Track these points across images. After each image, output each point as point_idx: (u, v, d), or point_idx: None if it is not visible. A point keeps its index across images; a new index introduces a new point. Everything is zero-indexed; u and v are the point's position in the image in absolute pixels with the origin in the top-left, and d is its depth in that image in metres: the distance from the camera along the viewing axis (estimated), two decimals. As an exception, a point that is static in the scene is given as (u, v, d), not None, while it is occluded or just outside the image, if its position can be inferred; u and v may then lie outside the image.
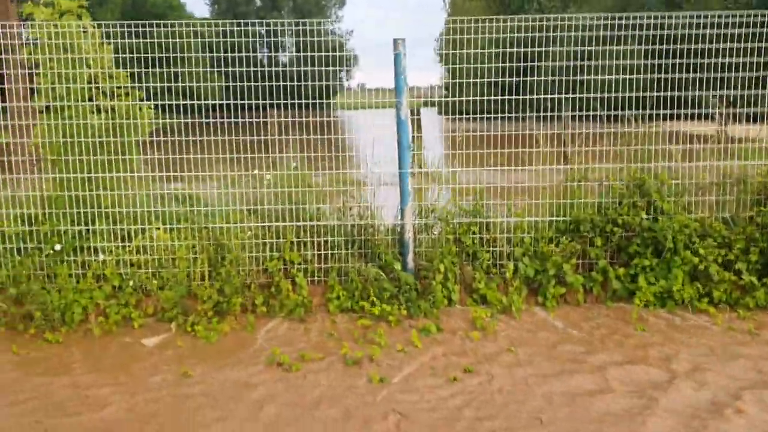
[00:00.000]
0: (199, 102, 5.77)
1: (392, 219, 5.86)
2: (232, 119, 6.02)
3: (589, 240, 5.67)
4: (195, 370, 4.43)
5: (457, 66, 5.85)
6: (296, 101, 5.67)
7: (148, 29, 5.63)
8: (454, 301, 5.48)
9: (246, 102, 5.70)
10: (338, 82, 7.67)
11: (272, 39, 5.98)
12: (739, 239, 5.50)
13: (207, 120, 5.90)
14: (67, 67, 5.46)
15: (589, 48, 5.72)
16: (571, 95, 5.73)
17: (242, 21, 6.15)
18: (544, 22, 5.68)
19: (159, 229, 5.65)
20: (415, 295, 5.39)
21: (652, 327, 5.06)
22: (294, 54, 6.07)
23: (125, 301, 5.41)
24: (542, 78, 5.98)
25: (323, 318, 5.35)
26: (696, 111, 5.78)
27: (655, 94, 5.71)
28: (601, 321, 5.20)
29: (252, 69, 5.70)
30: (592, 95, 5.73)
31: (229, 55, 5.87)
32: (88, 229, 5.60)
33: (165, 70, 5.54)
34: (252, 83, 5.60)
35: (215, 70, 6.45)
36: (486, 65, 5.76)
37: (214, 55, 6.29)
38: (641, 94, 5.66)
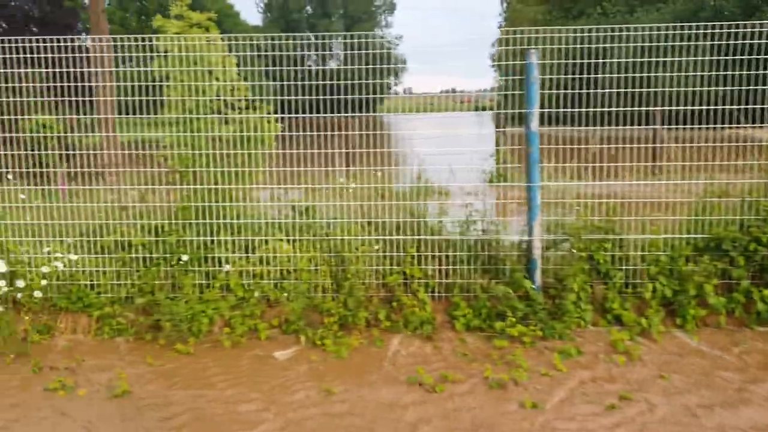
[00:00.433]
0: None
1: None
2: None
3: (731, 259, 5.41)
4: (336, 386, 4.38)
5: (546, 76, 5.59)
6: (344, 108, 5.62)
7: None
8: (586, 321, 5.29)
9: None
10: (387, 89, 7.51)
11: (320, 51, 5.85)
12: None
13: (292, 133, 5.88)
14: (197, 80, 5.52)
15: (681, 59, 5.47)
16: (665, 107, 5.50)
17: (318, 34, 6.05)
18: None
19: (281, 240, 5.64)
20: (546, 315, 5.23)
21: (809, 355, 4.77)
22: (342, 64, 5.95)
23: (250, 312, 5.41)
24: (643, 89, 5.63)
25: (451, 336, 5.24)
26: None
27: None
28: (751, 345, 4.94)
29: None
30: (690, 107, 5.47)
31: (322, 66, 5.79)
32: (212, 240, 5.64)
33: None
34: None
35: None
36: (579, 75, 5.51)
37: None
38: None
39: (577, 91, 5.50)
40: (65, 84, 5.76)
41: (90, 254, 5.71)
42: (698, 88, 5.53)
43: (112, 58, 6.55)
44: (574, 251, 5.44)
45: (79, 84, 5.77)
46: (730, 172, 5.69)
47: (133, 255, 5.65)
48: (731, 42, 5.43)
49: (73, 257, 5.48)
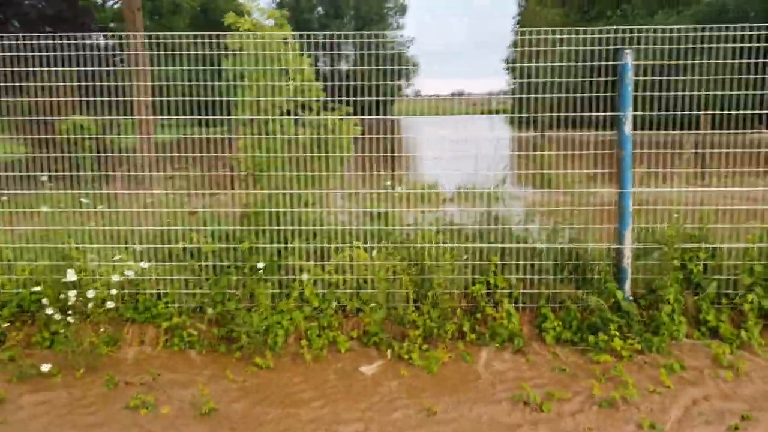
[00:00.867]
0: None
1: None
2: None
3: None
4: (436, 405, 4.18)
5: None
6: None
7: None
8: (681, 333, 5.08)
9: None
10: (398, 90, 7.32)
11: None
12: None
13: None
14: (272, 79, 5.33)
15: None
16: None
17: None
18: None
19: (359, 247, 5.45)
20: (640, 327, 5.02)
21: None
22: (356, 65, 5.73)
23: (327, 323, 5.23)
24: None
25: (541, 349, 5.04)
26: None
27: None
28: None
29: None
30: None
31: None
32: (286, 247, 5.45)
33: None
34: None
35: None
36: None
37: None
38: None
39: (670, 93, 5.28)
40: (99, 83, 5.55)
41: (156, 262, 5.53)
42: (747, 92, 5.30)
43: (147, 57, 6.35)
44: (667, 260, 5.21)
45: (113, 83, 5.57)
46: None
47: (203, 263, 5.47)
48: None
49: (144, 265, 5.30)
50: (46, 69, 5.68)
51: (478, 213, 5.62)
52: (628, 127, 5.15)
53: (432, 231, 5.55)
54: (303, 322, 5.24)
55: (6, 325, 5.25)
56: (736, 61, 5.30)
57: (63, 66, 5.63)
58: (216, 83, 5.42)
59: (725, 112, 5.29)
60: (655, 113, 5.28)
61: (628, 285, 5.28)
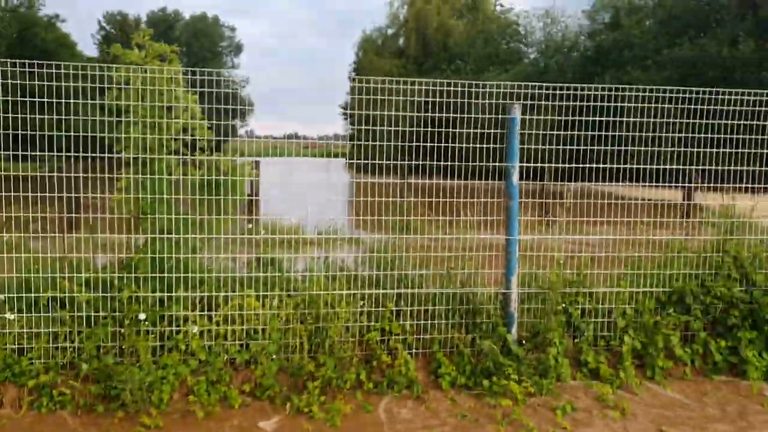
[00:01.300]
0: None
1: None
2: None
3: (689, 311, 5.75)
4: (348, 460, 4.08)
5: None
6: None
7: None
8: (566, 375, 5.37)
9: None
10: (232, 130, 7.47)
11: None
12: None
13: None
14: (160, 116, 5.06)
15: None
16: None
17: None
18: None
19: (249, 296, 5.25)
20: (530, 370, 5.25)
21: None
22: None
23: (216, 377, 4.96)
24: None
25: (438, 396, 5.10)
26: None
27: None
28: (723, 396, 5.24)
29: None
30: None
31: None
32: (170, 296, 5.13)
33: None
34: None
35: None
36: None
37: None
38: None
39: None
40: None
41: (18, 313, 4.97)
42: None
43: None
44: (551, 305, 5.52)
45: None
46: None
47: (75, 313, 5.00)
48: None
49: (11, 317, 4.74)
50: None
51: (367, 258, 5.63)
52: (515, 178, 5.44)
53: (325, 277, 5.49)
54: (190, 376, 4.93)
55: None
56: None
57: None
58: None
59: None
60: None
61: (515, 329, 5.52)
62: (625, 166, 5.93)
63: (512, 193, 5.46)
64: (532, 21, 52.66)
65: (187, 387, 4.90)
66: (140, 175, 5.06)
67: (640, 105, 5.85)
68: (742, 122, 5.90)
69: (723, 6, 42.31)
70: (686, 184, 6.22)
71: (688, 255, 5.93)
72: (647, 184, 6.26)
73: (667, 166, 6.03)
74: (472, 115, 5.69)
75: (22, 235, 5.26)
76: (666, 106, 5.87)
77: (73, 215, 5.35)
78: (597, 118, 5.80)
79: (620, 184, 5.99)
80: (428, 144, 5.62)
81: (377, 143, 5.58)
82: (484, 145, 5.58)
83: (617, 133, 5.92)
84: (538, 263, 5.80)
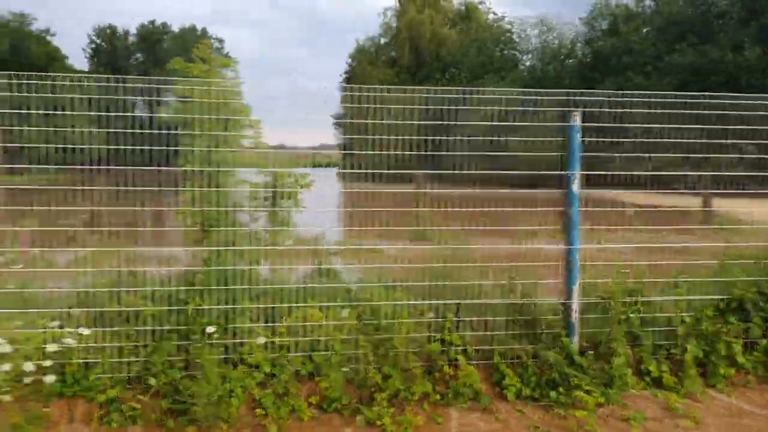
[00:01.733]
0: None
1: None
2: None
3: (749, 319, 5.76)
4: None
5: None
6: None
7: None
8: (629, 384, 5.37)
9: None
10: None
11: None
12: None
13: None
14: (223, 129, 5.09)
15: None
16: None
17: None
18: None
19: (312, 307, 5.26)
20: (596, 380, 5.25)
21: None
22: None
23: (282, 389, 4.96)
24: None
25: (506, 408, 5.10)
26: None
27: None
28: (789, 404, 5.25)
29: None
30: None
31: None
32: (234, 309, 5.14)
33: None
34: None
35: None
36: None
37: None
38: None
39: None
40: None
41: (83, 327, 4.98)
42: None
43: None
44: (614, 314, 5.53)
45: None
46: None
47: (141, 328, 5.00)
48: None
49: (86, 332, 4.75)
50: None
51: (426, 268, 5.65)
52: (576, 186, 5.46)
53: (384, 287, 5.50)
54: (256, 389, 4.94)
55: None
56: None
57: None
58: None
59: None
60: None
61: (576, 339, 5.52)
62: (666, 173, 5.97)
63: (572, 202, 5.48)
64: (526, 29, 52.96)
65: (254, 400, 4.90)
66: (204, 188, 5.06)
67: (664, 111, 5.87)
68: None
69: (724, 12, 42.62)
70: (716, 191, 6.25)
71: (745, 262, 5.95)
72: (674, 191, 6.29)
73: (698, 173, 6.08)
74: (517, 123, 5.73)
75: (85, 249, 5.28)
76: (687, 111, 5.87)
77: (137, 228, 5.36)
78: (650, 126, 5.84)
79: (648, 191, 6.03)
80: (469, 153, 5.63)
81: (392, 152, 5.57)
82: (537, 154, 5.61)
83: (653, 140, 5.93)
84: (596, 272, 5.81)
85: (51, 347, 4.60)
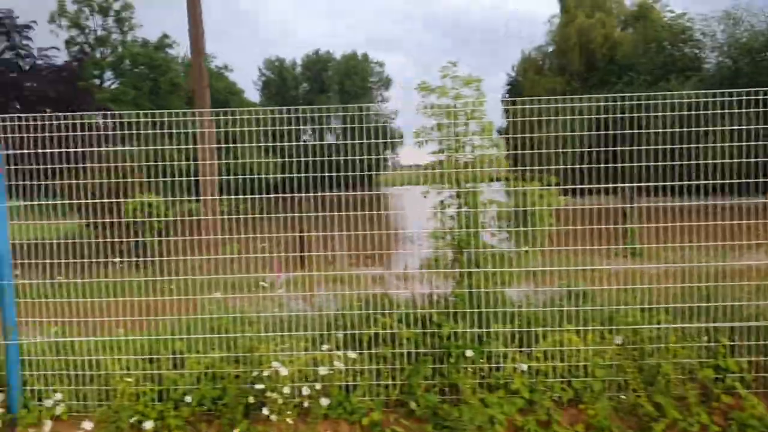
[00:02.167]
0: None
1: None
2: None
3: None
4: None
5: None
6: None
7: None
8: None
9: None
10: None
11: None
12: None
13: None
14: (470, 148, 5.06)
15: None
16: None
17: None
18: None
19: (568, 330, 5.05)
20: None
21: None
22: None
23: (545, 416, 4.76)
24: None
25: (800, 442, 4.58)
26: None
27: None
28: None
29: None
30: None
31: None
32: (488, 332, 5.03)
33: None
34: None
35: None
36: None
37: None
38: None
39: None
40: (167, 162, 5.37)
41: (340, 350, 5.08)
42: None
43: (213, 135, 6.10)
44: None
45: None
46: None
47: (396, 350, 5.02)
48: None
49: (353, 355, 4.85)
50: (113, 149, 5.48)
51: (691, 288, 5.25)
52: None
53: (642, 310, 5.18)
54: (517, 415, 4.78)
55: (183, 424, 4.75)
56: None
57: (125, 145, 5.45)
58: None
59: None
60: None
61: None
62: None
63: None
64: (711, 24, 48.94)
65: (517, 427, 4.75)
66: (459, 209, 5.04)
67: None
68: None
69: None
70: None
71: None
72: None
73: None
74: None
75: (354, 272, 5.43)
76: None
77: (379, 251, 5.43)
78: None
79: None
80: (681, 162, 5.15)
81: (580, 165, 5.26)
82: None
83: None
84: None
85: (322, 370, 4.71)
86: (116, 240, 5.47)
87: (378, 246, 5.35)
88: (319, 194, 5.38)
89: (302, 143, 5.73)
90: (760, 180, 5.15)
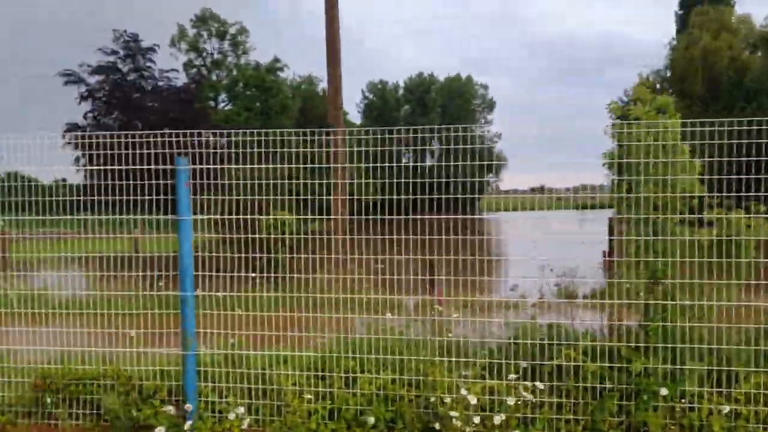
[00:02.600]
0: None
1: None
2: None
3: None
4: None
5: None
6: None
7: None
8: None
9: None
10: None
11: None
12: None
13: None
14: (664, 173, 4.77)
15: None
16: None
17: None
18: None
19: (769, 372, 4.64)
20: None
21: None
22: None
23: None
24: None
25: None
26: None
27: None
28: None
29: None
30: None
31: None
32: (681, 370, 4.70)
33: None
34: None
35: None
36: None
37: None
38: None
39: None
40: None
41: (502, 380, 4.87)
42: None
43: (346, 154, 5.96)
44: None
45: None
46: None
47: (580, 384, 4.77)
48: None
49: (541, 386, 4.64)
50: (249, 166, 5.47)
51: None
52: None
53: None
54: (714, 462, 4.42)
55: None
56: None
57: (261, 163, 5.41)
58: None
59: None
60: None
61: None
62: None
63: None
64: None
65: (716, 476, 4.38)
66: (651, 237, 4.76)
67: None
68: None
69: None
70: None
71: None
72: None
73: None
74: None
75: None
76: None
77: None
78: None
79: None
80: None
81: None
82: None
83: None
84: None
85: (510, 400, 4.52)
86: (253, 255, 5.52)
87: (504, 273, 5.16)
88: (443, 217, 5.24)
89: (420, 164, 5.71)
90: None
